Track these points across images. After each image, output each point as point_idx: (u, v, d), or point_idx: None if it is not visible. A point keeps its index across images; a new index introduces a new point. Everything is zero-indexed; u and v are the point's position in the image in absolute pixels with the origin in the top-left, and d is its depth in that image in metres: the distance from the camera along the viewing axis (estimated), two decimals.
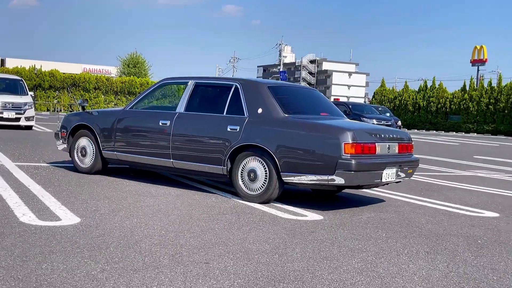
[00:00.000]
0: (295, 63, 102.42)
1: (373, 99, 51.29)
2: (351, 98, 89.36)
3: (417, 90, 47.76)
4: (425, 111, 45.94)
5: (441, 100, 44.96)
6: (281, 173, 5.88)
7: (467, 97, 43.17)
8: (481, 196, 7.69)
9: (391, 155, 6.10)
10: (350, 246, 4.43)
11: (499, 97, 41.22)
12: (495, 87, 42.09)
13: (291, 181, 5.88)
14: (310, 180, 5.75)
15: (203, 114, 6.68)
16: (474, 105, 42.59)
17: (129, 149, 7.11)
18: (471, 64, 51.40)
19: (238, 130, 6.19)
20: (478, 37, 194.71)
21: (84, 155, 7.57)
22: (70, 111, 42.55)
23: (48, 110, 42.34)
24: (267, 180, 5.99)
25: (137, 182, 7.10)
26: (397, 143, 6.23)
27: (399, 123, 28.98)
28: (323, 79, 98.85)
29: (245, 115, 6.27)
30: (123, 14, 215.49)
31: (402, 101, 47.84)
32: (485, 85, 44.14)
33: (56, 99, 43.27)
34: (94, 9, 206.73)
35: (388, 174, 5.94)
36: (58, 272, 3.31)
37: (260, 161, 6.05)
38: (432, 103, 45.50)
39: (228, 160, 6.25)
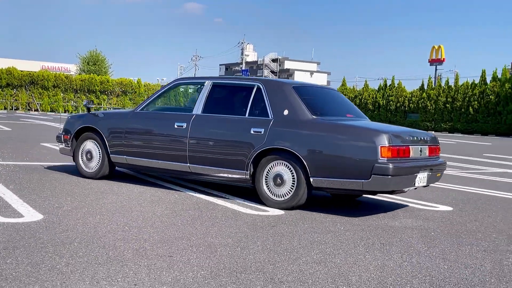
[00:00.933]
0: (257, 61, 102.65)
1: None
2: None
3: (377, 89, 48.61)
4: (385, 110, 46.79)
5: (400, 99, 45.87)
6: (310, 178, 5.62)
7: (425, 96, 44.16)
8: (436, 191, 7.97)
9: (423, 159, 5.94)
10: (309, 239, 4.58)
11: (456, 96, 42.30)
12: (452, 86, 43.16)
13: (321, 186, 5.64)
14: (342, 185, 5.53)
15: (223, 116, 6.36)
16: (432, 104, 43.59)
17: (141, 153, 6.74)
18: (429, 63, 52.70)
19: (262, 132, 5.90)
20: (436, 37, 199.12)
21: (89, 159, 7.18)
22: (28, 110, 41.75)
23: (5, 108, 41.50)
24: (295, 185, 5.72)
25: (99, 180, 7.11)
26: (427, 146, 6.06)
27: None
28: (285, 77, 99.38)
29: (270, 117, 5.99)
30: (83, 11, 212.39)
31: (363, 100, 48.60)
32: (443, 84, 45.27)
33: (14, 97, 42.41)
34: (53, 5, 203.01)
35: (421, 178, 5.78)
36: (23, 267, 3.35)
37: (286, 165, 5.78)
38: (391, 102, 46.37)
39: (251, 164, 5.97)
